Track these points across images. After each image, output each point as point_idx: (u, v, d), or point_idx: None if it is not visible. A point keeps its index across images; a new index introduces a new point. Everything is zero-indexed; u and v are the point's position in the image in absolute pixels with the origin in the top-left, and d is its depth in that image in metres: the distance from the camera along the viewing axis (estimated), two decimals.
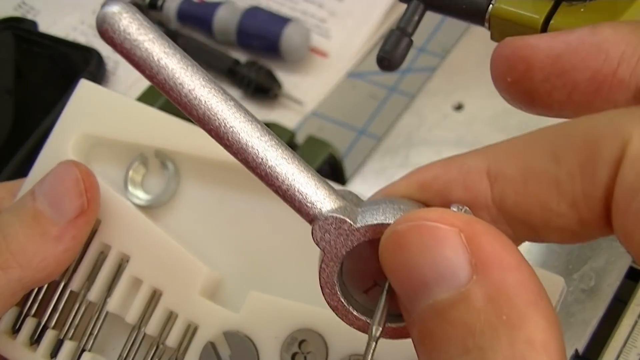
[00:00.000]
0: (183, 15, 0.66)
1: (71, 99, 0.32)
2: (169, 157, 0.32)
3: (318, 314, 0.28)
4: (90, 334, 0.30)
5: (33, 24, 0.69)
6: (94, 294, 0.30)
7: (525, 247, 0.44)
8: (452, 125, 0.51)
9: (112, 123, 0.32)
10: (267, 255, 0.30)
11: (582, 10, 0.33)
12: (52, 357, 0.30)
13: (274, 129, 0.50)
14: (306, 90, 0.62)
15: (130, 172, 0.32)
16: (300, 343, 0.28)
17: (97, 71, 0.63)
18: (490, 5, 0.35)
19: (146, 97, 0.54)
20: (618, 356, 0.41)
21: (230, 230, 0.31)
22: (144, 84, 0.62)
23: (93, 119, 0.32)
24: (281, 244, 0.30)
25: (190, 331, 0.29)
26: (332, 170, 0.51)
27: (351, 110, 0.61)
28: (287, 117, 0.60)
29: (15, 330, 0.31)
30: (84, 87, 0.32)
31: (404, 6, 0.38)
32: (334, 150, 0.50)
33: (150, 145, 0.31)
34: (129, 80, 0.65)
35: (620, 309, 0.42)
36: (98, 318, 0.30)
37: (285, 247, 0.30)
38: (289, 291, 0.29)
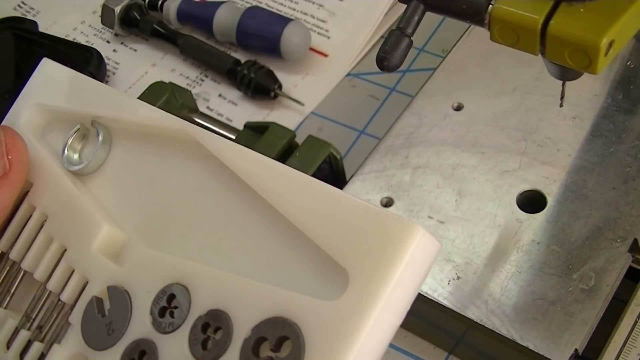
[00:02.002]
0: (183, 15, 0.66)
1: (32, 75, 0.35)
2: (102, 125, 0.33)
3: (187, 267, 0.28)
4: (7, 291, 0.31)
5: (33, 23, 0.69)
6: (14, 253, 0.31)
7: (526, 248, 0.45)
8: (452, 125, 0.51)
9: (62, 96, 0.34)
10: (168, 211, 0.31)
11: (581, 10, 0.33)
12: None
13: (274, 129, 0.51)
14: (306, 90, 0.62)
15: (69, 140, 0.33)
16: (170, 298, 0.28)
17: (97, 71, 0.63)
18: (490, 6, 0.35)
19: (146, 98, 0.54)
20: (618, 356, 0.41)
21: (145, 190, 0.32)
22: (143, 84, 0.62)
23: (49, 92, 0.34)
24: (180, 199, 0.31)
25: (82, 285, 0.30)
26: (331, 171, 0.51)
27: (351, 110, 0.61)
28: (287, 117, 0.60)
29: None
30: (45, 65, 0.35)
31: (403, 6, 0.38)
32: (333, 150, 0.50)
33: (89, 114, 0.33)
34: (129, 81, 0.65)
35: (620, 309, 0.42)
36: (16, 277, 0.31)
37: (182, 202, 0.31)
38: (177, 247, 0.29)
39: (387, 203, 0.48)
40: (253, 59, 0.62)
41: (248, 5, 0.66)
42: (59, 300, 0.30)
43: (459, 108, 0.52)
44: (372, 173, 0.49)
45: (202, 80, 0.64)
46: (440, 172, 0.49)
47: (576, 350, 0.40)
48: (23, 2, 0.73)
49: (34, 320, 0.30)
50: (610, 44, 0.33)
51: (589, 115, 0.50)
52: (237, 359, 0.25)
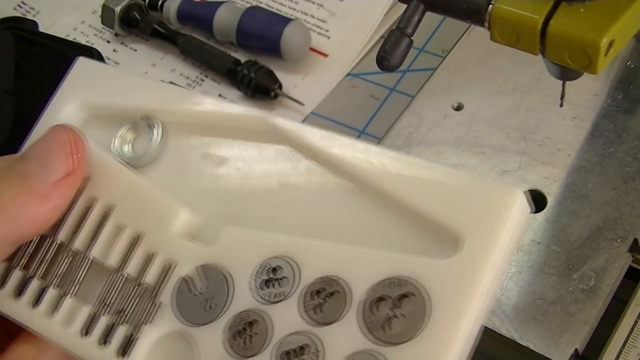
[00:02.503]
0: (183, 15, 0.66)
1: (68, 73, 0.35)
2: (156, 119, 0.34)
3: (288, 241, 0.29)
4: (73, 280, 0.31)
5: (33, 23, 0.69)
6: (78, 243, 0.32)
7: (526, 247, 0.45)
8: (452, 125, 0.51)
9: (106, 92, 0.34)
10: (245, 195, 0.32)
11: (581, 10, 0.33)
12: (33, 305, 0.31)
13: None
14: (306, 90, 0.62)
15: (120, 134, 0.34)
16: (273, 270, 0.29)
17: None
18: (490, 6, 0.35)
19: None
20: (618, 356, 0.41)
21: (212, 177, 0.32)
22: None
23: (88, 89, 0.35)
24: (257, 183, 0.32)
25: (171, 269, 0.30)
26: None
27: (351, 110, 0.61)
28: (287, 117, 0.60)
29: (1, 283, 0.32)
30: (81, 63, 0.35)
31: (404, 6, 0.38)
32: None
33: (139, 109, 0.34)
34: None
35: (620, 309, 0.42)
36: (81, 265, 0.31)
37: (261, 185, 0.32)
38: (264, 226, 0.30)
39: None
40: (253, 59, 0.62)
41: (248, 5, 0.66)
42: (139, 283, 0.30)
43: (459, 108, 0.52)
44: None
45: (202, 80, 0.64)
46: None
47: (576, 350, 0.40)
48: (23, 2, 0.73)
49: (111, 304, 0.31)
50: (610, 44, 0.33)
51: (589, 115, 0.50)
52: (355, 318, 0.27)
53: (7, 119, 0.61)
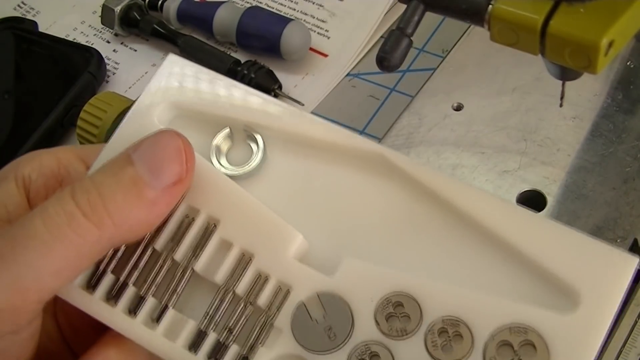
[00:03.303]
0: (183, 15, 0.66)
1: (158, 70, 0.34)
2: (257, 130, 0.33)
3: (411, 279, 0.29)
4: (174, 291, 0.30)
5: (33, 23, 0.69)
6: (180, 254, 0.31)
7: None
8: (452, 125, 0.51)
9: (201, 95, 0.33)
10: (353, 225, 0.31)
11: (581, 10, 0.33)
12: (131, 313, 0.31)
13: None
14: (306, 90, 0.62)
15: (216, 142, 0.33)
16: (395, 305, 0.29)
17: (97, 71, 0.63)
18: (490, 6, 0.35)
19: None
20: (618, 356, 0.41)
21: (316, 201, 0.32)
22: (143, 84, 0.62)
23: (180, 89, 0.33)
24: (367, 214, 0.31)
25: (282, 293, 0.30)
26: None
27: (351, 110, 0.61)
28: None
29: (91, 285, 0.31)
30: (172, 59, 0.34)
31: (403, 6, 0.38)
32: None
33: (237, 118, 0.33)
34: (129, 81, 0.65)
35: (620, 309, 0.42)
36: (182, 277, 0.30)
37: (372, 217, 0.31)
38: (376, 259, 0.30)
39: None
40: (253, 59, 0.62)
41: (248, 5, 0.66)
42: (250, 303, 0.30)
43: (458, 108, 0.52)
44: None
45: None
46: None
47: None
48: (23, 2, 0.73)
49: (218, 322, 0.30)
50: (610, 44, 0.33)
51: (589, 115, 0.50)
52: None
53: (7, 118, 0.61)
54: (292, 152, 0.32)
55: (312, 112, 0.61)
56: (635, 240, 0.43)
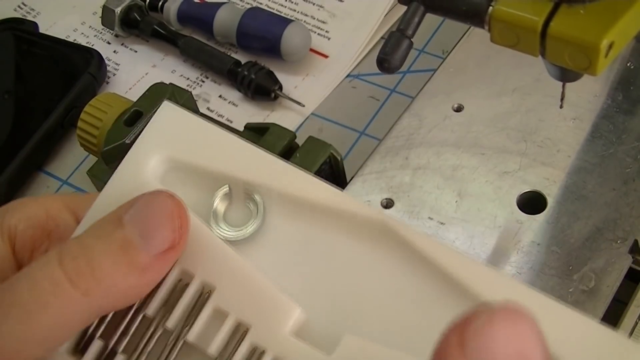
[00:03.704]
0: (183, 16, 0.67)
1: (153, 119, 0.32)
2: (257, 190, 0.31)
3: None
4: None
5: (33, 24, 0.69)
6: (172, 322, 0.29)
7: (526, 249, 0.45)
8: (452, 126, 0.51)
9: (197, 149, 0.31)
10: (354, 298, 0.29)
11: (581, 12, 0.33)
12: None
13: (274, 130, 0.51)
14: (306, 91, 0.62)
15: (215, 205, 0.31)
16: None
17: (97, 72, 0.63)
18: (490, 7, 0.35)
19: (145, 100, 0.54)
20: None
21: (315, 270, 0.30)
22: (144, 85, 0.62)
23: (175, 140, 0.31)
24: (369, 288, 0.29)
25: None
26: (332, 172, 0.51)
27: (351, 111, 0.61)
28: (287, 118, 0.60)
29: (78, 350, 0.29)
30: (167, 109, 0.32)
31: (404, 8, 0.38)
32: (334, 151, 0.50)
33: (235, 176, 0.31)
34: (129, 82, 0.65)
35: (620, 310, 0.42)
36: (174, 346, 0.29)
37: (374, 291, 0.29)
38: (377, 337, 0.28)
39: (387, 204, 0.48)
40: (253, 60, 0.62)
41: (248, 6, 0.66)
42: None
43: (459, 109, 0.52)
44: (373, 174, 0.49)
45: (203, 82, 0.64)
46: (441, 173, 0.49)
47: None
48: (23, 3, 0.73)
49: None
50: (610, 45, 0.33)
51: (589, 116, 0.50)
52: None
53: (7, 119, 0.62)
54: (292, 215, 0.30)
55: (313, 113, 0.61)
56: (636, 241, 0.43)
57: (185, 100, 0.55)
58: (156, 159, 0.31)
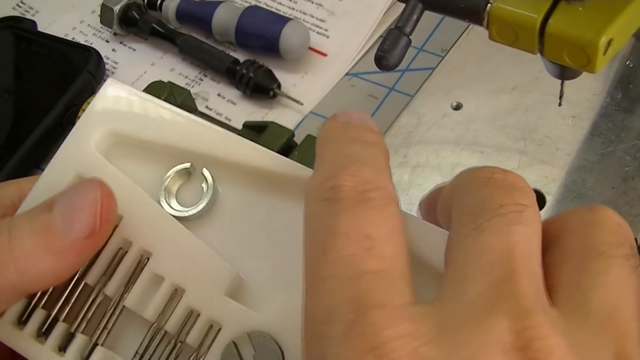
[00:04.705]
0: (182, 15, 0.66)
1: (97, 94, 0.32)
2: (207, 166, 0.31)
3: None
4: (104, 328, 0.29)
5: (32, 23, 0.69)
6: (110, 289, 0.30)
7: None
8: (451, 124, 0.51)
9: (142, 123, 0.32)
10: (293, 261, 0.29)
11: (580, 9, 0.33)
12: (60, 350, 0.30)
13: (273, 128, 0.51)
14: (305, 90, 0.62)
15: (167, 182, 0.31)
16: None
17: (96, 70, 0.63)
18: (489, 5, 0.35)
19: None
20: None
21: (264, 238, 0.31)
22: (142, 83, 0.62)
23: (121, 117, 0.32)
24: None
25: (213, 331, 0.29)
26: None
27: (350, 109, 0.61)
28: (285, 116, 0.60)
29: (22, 321, 0.30)
30: (112, 85, 0.32)
31: (402, 6, 0.38)
32: None
33: (182, 147, 0.31)
34: (128, 80, 0.65)
35: None
36: (113, 313, 0.29)
37: None
38: None
39: None
40: (252, 59, 0.62)
41: (247, 5, 0.66)
42: (180, 341, 0.29)
43: (458, 107, 0.52)
44: None
45: (201, 80, 0.64)
46: (439, 171, 0.49)
47: None
48: (22, 2, 0.73)
49: None
50: (609, 43, 0.33)
51: (588, 114, 0.50)
52: None
53: (6, 118, 0.61)
54: (242, 185, 0.31)
55: (311, 112, 0.61)
56: (635, 240, 0.43)
57: (184, 98, 0.55)
58: (101, 133, 0.32)
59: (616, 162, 0.47)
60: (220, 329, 0.29)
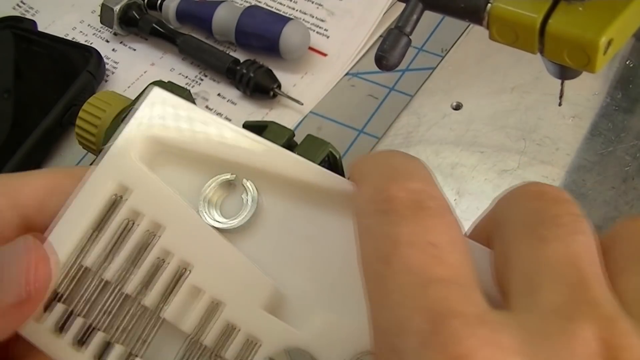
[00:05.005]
0: (182, 15, 0.66)
1: (142, 102, 0.32)
2: (250, 178, 0.31)
3: None
4: (143, 339, 0.29)
5: (32, 23, 0.69)
6: (149, 300, 0.29)
7: None
8: (451, 124, 0.51)
9: (185, 132, 0.31)
10: (339, 276, 0.29)
11: (580, 9, 0.33)
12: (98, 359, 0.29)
13: (273, 128, 0.51)
14: (305, 90, 0.62)
15: (209, 192, 0.31)
16: None
17: (96, 70, 0.63)
18: (489, 4, 0.35)
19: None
20: None
21: (306, 252, 0.30)
22: (142, 83, 0.62)
23: (164, 125, 0.31)
24: (352, 267, 0.29)
25: (251, 345, 0.28)
26: (331, 170, 0.51)
27: (350, 109, 0.61)
28: (286, 116, 0.60)
29: (60, 328, 0.30)
30: (156, 94, 0.32)
31: (403, 5, 0.38)
32: (333, 149, 0.50)
33: (227, 159, 0.31)
34: (128, 80, 0.65)
35: None
36: (152, 324, 0.29)
37: (355, 270, 0.30)
38: (357, 314, 0.27)
39: None
40: (252, 58, 0.62)
41: (247, 5, 0.66)
42: (219, 356, 0.28)
43: (458, 107, 0.52)
44: None
45: (201, 80, 0.64)
46: (439, 171, 0.49)
47: None
48: (22, 2, 0.73)
49: None
50: (609, 43, 0.33)
51: (588, 114, 0.50)
52: None
53: (6, 118, 0.61)
54: (286, 198, 0.31)
55: (312, 112, 0.61)
56: None
57: (184, 98, 0.54)
58: (144, 141, 0.31)
59: (616, 162, 0.47)
60: (258, 344, 0.28)
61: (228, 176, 0.31)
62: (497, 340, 0.19)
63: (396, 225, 0.22)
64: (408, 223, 0.22)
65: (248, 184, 0.31)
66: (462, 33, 0.56)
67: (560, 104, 0.43)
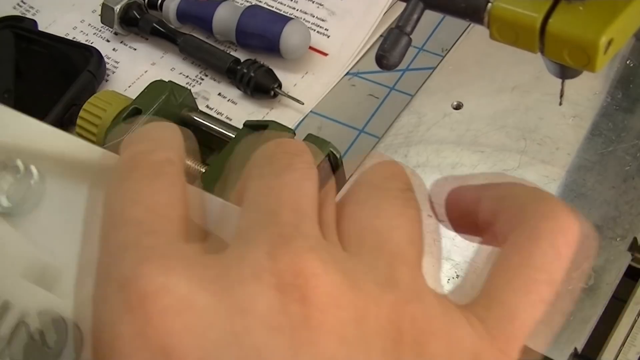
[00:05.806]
0: (182, 14, 0.66)
1: None
2: (33, 161, 0.31)
3: None
4: None
5: (32, 22, 0.69)
6: None
7: None
8: (451, 124, 0.51)
9: None
10: None
11: (580, 8, 0.33)
12: None
13: (273, 128, 0.51)
14: (306, 89, 0.62)
15: None
16: None
17: (97, 70, 0.63)
18: (489, 4, 0.35)
19: (144, 97, 0.54)
20: (617, 355, 0.41)
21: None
22: (143, 83, 0.62)
23: None
24: None
25: (22, 320, 0.28)
26: (331, 169, 0.51)
27: (350, 109, 0.61)
28: (286, 115, 0.60)
29: None
30: None
31: (403, 5, 0.38)
32: (333, 149, 0.50)
33: (11, 148, 0.31)
34: (128, 79, 0.65)
35: (620, 308, 0.42)
36: None
37: None
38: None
39: None
40: (253, 58, 0.62)
41: (247, 4, 0.66)
42: None
43: (458, 107, 0.52)
44: None
45: (202, 79, 0.64)
46: (440, 171, 0.49)
47: (575, 349, 0.40)
48: (22, 1, 0.73)
49: None
50: (610, 42, 0.33)
51: (589, 114, 0.50)
52: None
53: None
54: (69, 178, 0.31)
55: (312, 111, 0.61)
56: (635, 239, 0.43)
57: (185, 97, 0.55)
58: None
59: (616, 162, 0.47)
60: (10, 308, 0.28)
61: (6, 159, 0.30)
62: (179, 275, 0.19)
63: (116, 185, 0.25)
64: (123, 182, 0.24)
65: (19, 163, 0.30)
66: (463, 33, 0.56)
67: (560, 104, 0.43)
